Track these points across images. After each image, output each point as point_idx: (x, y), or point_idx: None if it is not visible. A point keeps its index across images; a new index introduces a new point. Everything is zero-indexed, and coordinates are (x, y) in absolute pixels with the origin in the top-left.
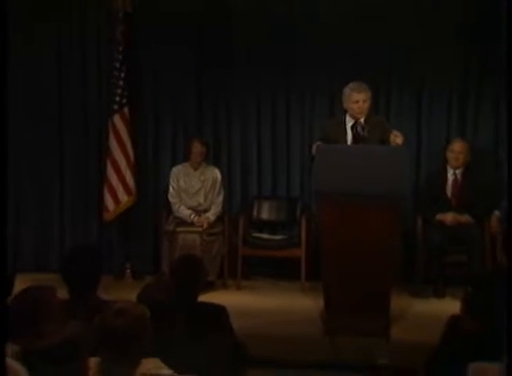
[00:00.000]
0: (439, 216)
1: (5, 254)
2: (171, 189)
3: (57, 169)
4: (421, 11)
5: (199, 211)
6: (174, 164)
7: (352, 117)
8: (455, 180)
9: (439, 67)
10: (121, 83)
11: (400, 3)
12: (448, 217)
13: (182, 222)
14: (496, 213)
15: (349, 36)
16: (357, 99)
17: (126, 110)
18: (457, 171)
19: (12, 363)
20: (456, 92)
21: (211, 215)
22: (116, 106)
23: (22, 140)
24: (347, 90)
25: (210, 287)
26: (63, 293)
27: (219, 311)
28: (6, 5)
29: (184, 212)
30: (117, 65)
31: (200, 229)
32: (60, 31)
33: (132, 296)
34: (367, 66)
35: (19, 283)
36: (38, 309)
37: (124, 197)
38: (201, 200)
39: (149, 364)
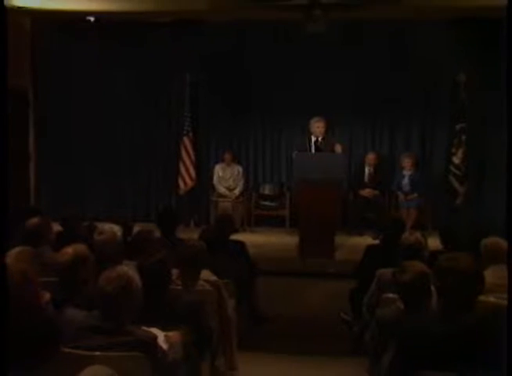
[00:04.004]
0: (361, 191)
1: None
2: (214, 177)
3: (155, 165)
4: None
5: (230, 189)
6: (216, 163)
7: (314, 136)
8: (369, 173)
9: (359, 111)
10: (188, 119)
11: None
12: (366, 192)
13: (221, 195)
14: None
15: (311, 99)
16: (318, 126)
17: (191, 134)
18: (371, 168)
19: (133, 274)
20: (369, 124)
21: (237, 192)
22: (185, 132)
23: (139, 152)
24: (312, 121)
25: (236, 231)
26: (157, 234)
27: (241, 244)
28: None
29: (222, 190)
30: (186, 109)
31: (231, 200)
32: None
33: (195, 236)
34: (323, 110)
35: (136, 228)
36: (145, 242)
37: (189, 181)
38: (231, 183)
39: (204, 273)
